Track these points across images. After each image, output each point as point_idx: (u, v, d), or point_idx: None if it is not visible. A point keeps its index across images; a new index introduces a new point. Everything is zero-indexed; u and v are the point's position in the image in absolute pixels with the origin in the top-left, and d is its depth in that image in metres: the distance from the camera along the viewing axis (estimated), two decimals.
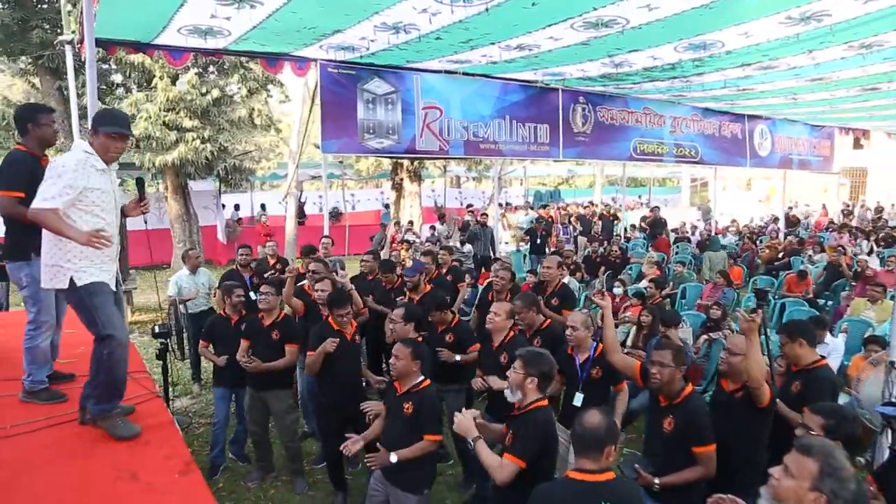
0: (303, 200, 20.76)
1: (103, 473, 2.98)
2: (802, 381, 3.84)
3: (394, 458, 3.71)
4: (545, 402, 3.38)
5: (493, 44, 7.64)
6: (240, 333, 5.49)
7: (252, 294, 6.76)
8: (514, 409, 3.43)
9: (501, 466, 3.18)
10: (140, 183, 3.91)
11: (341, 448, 4.05)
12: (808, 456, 2.18)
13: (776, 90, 10.99)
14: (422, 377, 3.93)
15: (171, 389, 5.52)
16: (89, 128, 3.52)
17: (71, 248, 3.33)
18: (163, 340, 5.20)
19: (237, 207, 21.13)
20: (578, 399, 4.16)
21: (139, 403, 3.76)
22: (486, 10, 6.00)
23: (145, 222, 4.17)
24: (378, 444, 3.95)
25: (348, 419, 4.67)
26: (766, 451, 3.47)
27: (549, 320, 4.82)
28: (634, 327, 6.65)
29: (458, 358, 4.99)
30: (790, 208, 22.09)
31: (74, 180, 3.26)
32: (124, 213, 3.79)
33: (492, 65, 9.03)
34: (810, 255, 12.39)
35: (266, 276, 7.59)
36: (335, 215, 18.87)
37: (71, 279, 3.37)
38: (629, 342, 6.52)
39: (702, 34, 7.22)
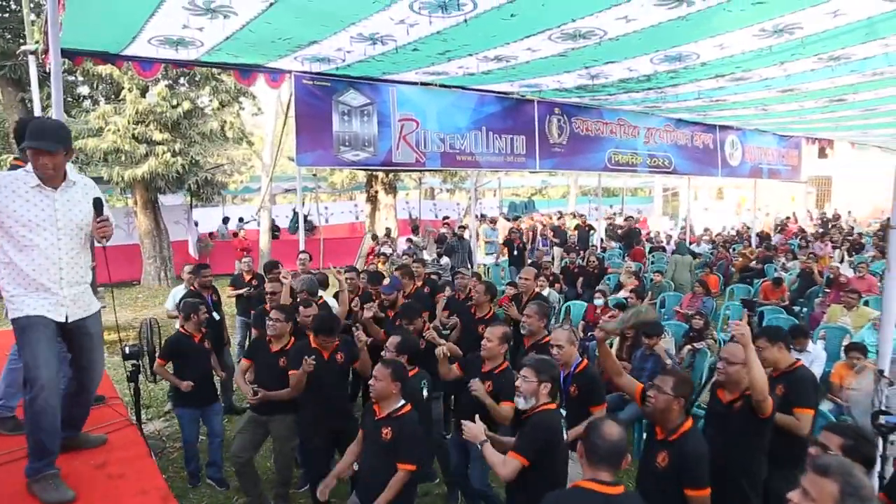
0: (306, 213, 20.30)
1: None
2: (784, 383, 3.82)
3: None
4: (554, 405, 3.41)
5: (470, 55, 7.59)
6: (203, 351, 5.43)
7: (215, 314, 6.61)
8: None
9: (504, 463, 3.23)
10: (96, 202, 3.35)
11: (318, 494, 3.90)
12: (826, 477, 2.09)
13: (748, 101, 11.13)
14: (403, 401, 3.79)
15: (143, 412, 5.31)
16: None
17: (3, 274, 3.06)
18: (134, 362, 4.98)
19: (225, 221, 20.74)
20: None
21: (112, 431, 3.55)
22: (465, 21, 5.95)
23: (98, 242, 3.42)
24: (356, 470, 3.83)
25: (334, 438, 4.53)
26: (764, 460, 3.42)
27: (548, 336, 4.73)
28: (617, 339, 6.60)
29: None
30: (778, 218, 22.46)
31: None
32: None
33: (468, 76, 8.99)
34: (783, 263, 12.53)
35: (243, 292, 7.41)
36: (309, 228, 18.62)
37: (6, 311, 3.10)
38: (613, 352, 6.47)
39: (678, 46, 7.25)
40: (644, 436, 5.67)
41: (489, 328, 4.44)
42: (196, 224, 17.93)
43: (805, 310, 9.77)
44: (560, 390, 4.14)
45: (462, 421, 3.42)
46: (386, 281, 6.07)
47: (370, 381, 3.77)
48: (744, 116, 13.61)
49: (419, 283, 7.33)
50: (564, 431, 3.95)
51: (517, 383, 3.45)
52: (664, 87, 9.81)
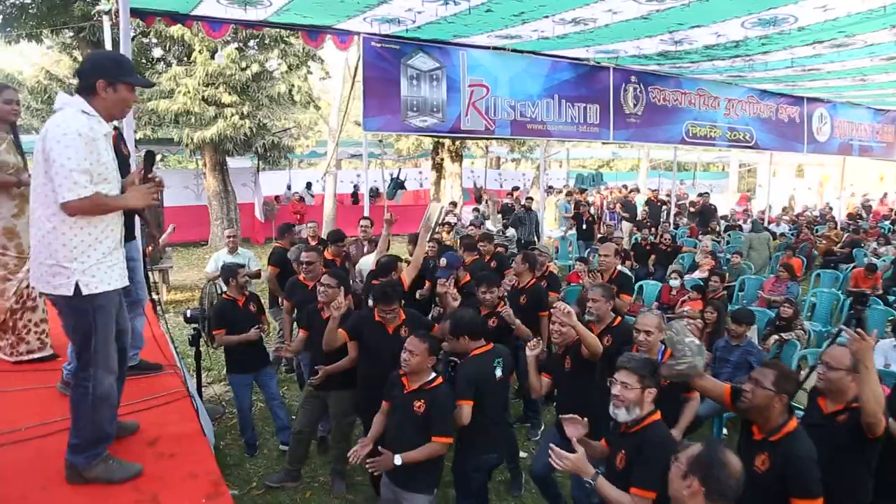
0: (402, 178, 20.31)
1: (122, 495, 2.65)
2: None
3: (398, 460, 3.44)
4: (659, 416, 2.98)
5: (546, 17, 7.20)
6: (249, 315, 5.30)
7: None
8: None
9: None
10: (149, 157, 3.04)
11: (348, 456, 3.75)
12: None
13: (845, 70, 10.30)
14: (434, 374, 3.66)
15: (203, 376, 5.27)
16: (92, 78, 2.71)
17: (76, 241, 2.67)
18: (195, 325, 4.93)
19: (289, 188, 20.95)
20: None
21: (166, 403, 3.41)
22: None
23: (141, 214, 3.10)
24: (380, 446, 3.65)
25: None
26: (870, 484, 3.01)
27: (619, 317, 4.38)
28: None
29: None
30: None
31: (90, 153, 2.62)
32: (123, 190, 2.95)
33: (543, 41, 8.57)
34: (875, 248, 11.67)
35: None
36: (374, 195, 18.53)
37: (76, 285, 2.66)
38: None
39: (775, 7, 6.68)
40: (724, 431, 5.33)
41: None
42: (259, 186, 18.11)
43: None
44: None
45: (559, 452, 2.88)
46: (442, 261, 5.70)
47: (403, 355, 3.59)
48: (837, 88, 12.67)
49: (486, 259, 7.05)
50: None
51: (614, 391, 2.99)
52: (753, 54, 9.15)
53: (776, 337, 6.06)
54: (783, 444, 2.78)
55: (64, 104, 2.71)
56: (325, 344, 4.37)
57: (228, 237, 7.78)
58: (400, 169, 21.31)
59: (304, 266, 5.55)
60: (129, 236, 3.29)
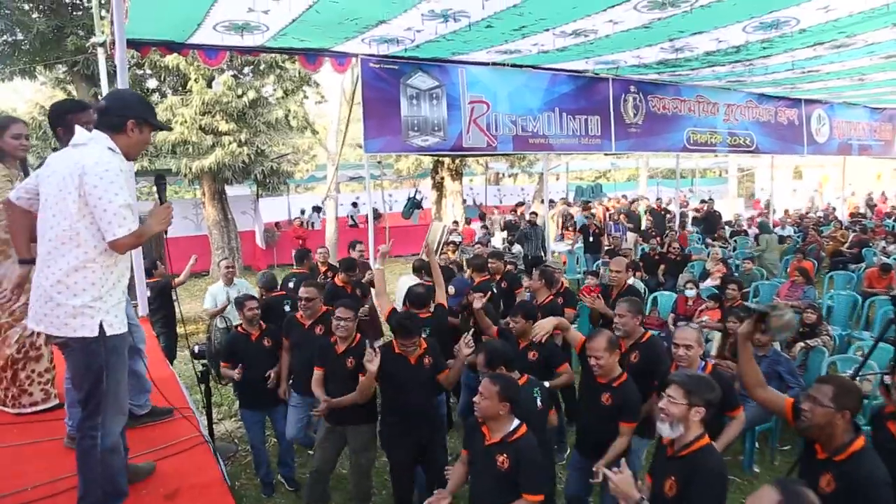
0: (419, 197, 20.27)
1: None
2: None
3: None
4: (708, 440, 2.79)
5: (547, 30, 7.13)
6: (261, 349, 5.05)
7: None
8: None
9: None
10: (160, 182, 3.01)
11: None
12: None
13: (844, 71, 10.26)
14: (517, 422, 3.25)
15: (214, 412, 5.09)
16: (123, 117, 2.68)
17: (103, 280, 2.60)
18: (204, 362, 4.75)
19: (317, 209, 20.89)
20: None
21: (183, 451, 3.22)
22: None
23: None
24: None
25: (418, 451, 4.18)
26: None
27: (648, 332, 4.23)
28: (719, 335, 6.04)
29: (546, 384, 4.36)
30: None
31: (128, 190, 2.60)
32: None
33: (542, 54, 8.51)
34: (884, 247, 11.55)
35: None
36: (376, 217, 18.41)
37: (101, 325, 2.58)
38: (713, 352, 5.89)
39: (776, 10, 6.63)
40: (756, 445, 5.16)
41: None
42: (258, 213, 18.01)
43: None
44: None
45: (605, 472, 2.72)
46: (450, 289, 5.51)
47: (475, 399, 3.27)
48: (836, 88, 12.62)
49: (496, 278, 6.91)
50: None
51: (661, 405, 2.82)
52: (754, 58, 9.09)
53: (802, 344, 5.91)
54: (849, 465, 2.59)
55: (88, 140, 2.64)
56: (361, 397, 4.22)
57: (226, 269, 7.45)
58: (416, 188, 21.27)
59: (302, 303, 5.07)
60: None
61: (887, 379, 3.57)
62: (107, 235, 2.52)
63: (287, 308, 6.27)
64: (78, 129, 2.70)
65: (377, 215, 18.87)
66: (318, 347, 4.67)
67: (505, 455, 3.14)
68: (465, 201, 20.35)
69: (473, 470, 3.40)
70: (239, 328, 5.24)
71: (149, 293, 6.67)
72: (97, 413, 2.62)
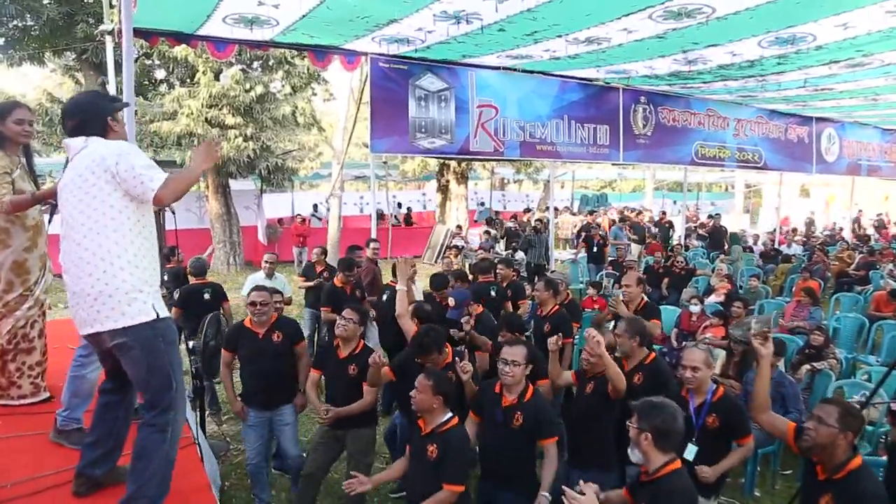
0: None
1: None
2: None
3: None
4: (678, 464, 2.75)
5: (559, 36, 7.03)
6: (269, 347, 4.63)
7: None
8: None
9: None
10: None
11: (344, 486, 3.60)
12: None
13: (859, 90, 10.16)
14: (449, 414, 3.41)
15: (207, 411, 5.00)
16: (99, 118, 2.76)
17: (145, 263, 2.60)
18: (195, 358, 4.59)
19: (315, 207, 20.77)
20: (691, 452, 3.45)
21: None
22: None
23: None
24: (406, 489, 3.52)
25: None
26: None
27: (653, 353, 4.11)
28: (723, 353, 5.92)
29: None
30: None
31: None
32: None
33: (553, 61, 8.41)
34: (891, 269, 11.42)
35: (313, 284, 7.05)
36: (380, 217, 18.35)
37: (154, 308, 2.58)
38: (717, 370, 5.76)
39: (794, 26, 6.54)
40: (758, 469, 5.05)
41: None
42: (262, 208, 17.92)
43: None
44: (690, 422, 3.58)
45: (571, 494, 2.68)
46: (451, 301, 5.36)
47: (411, 393, 3.40)
48: (848, 108, 12.53)
49: (503, 284, 6.81)
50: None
51: (630, 435, 2.81)
52: (767, 74, 8.99)
53: (808, 367, 5.79)
54: (847, 482, 2.60)
55: (85, 143, 2.68)
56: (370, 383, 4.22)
57: (267, 263, 7.44)
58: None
59: (257, 307, 4.59)
60: None
61: (894, 406, 3.53)
62: (147, 195, 2.57)
63: (206, 297, 6.53)
64: (68, 141, 2.74)
65: (381, 216, 18.85)
66: (318, 349, 4.58)
67: (434, 445, 3.30)
68: (482, 204, 20.28)
69: (412, 461, 3.55)
70: (245, 322, 4.86)
71: (165, 277, 6.71)
72: (170, 409, 2.62)
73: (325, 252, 8.38)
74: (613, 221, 16.62)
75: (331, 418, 4.20)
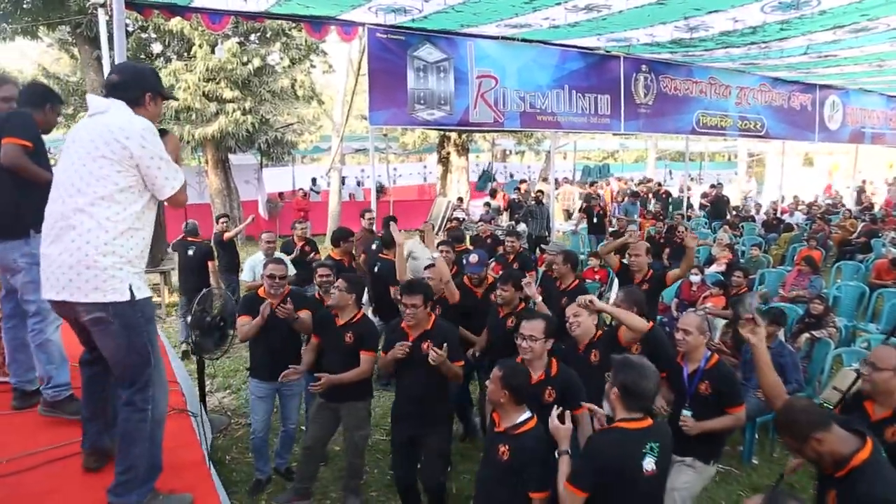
0: (493, 171, 19.93)
1: None
2: None
3: None
4: (629, 425, 2.77)
5: (559, 4, 6.93)
6: (278, 320, 4.55)
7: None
8: None
9: (561, 498, 2.79)
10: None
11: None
12: None
13: (863, 56, 10.02)
14: (527, 414, 3.06)
15: (207, 384, 5.00)
16: (140, 90, 2.65)
17: (136, 240, 2.52)
18: (196, 333, 4.57)
19: (314, 181, 20.63)
20: (686, 417, 3.49)
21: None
22: None
23: None
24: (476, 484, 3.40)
25: (412, 436, 4.04)
26: None
27: (652, 321, 4.10)
28: (723, 322, 5.92)
29: None
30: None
31: None
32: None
33: (553, 29, 8.30)
34: (893, 237, 11.37)
35: (291, 258, 6.89)
36: (379, 190, 18.27)
37: (130, 288, 2.49)
38: (716, 339, 5.76)
39: None
40: (756, 437, 5.08)
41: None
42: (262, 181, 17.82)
43: None
44: (683, 388, 3.60)
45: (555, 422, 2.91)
46: (473, 257, 5.32)
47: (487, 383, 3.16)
48: (852, 74, 12.37)
49: (510, 258, 6.79)
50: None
51: (606, 386, 2.90)
52: (770, 41, 8.86)
53: (807, 335, 5.79)
54: (850, 480, 2.40)
55: (107, 107, 2.57)
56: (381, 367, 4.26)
57: (266, 242, 7.04)
58: (491, 163, 20.97)
59: (276, 280, 4.63)
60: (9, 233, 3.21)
61: None
62: (164, 192, 2.56)
63: (190, 252, 7.73)
64: (91, 97, 2.62)
65: (381, 188, 18.79)
66: (318, 317, 4.57)
67: (507, 446, 3.01)
68: (489, 169, 20.14)
69: (483, 458, 3.31)
70: (260, 291, 4.80)
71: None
72: (148, 386, 2.59)
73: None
74: (617, 194, 16.54)
75: (322, 384, 4.17)
